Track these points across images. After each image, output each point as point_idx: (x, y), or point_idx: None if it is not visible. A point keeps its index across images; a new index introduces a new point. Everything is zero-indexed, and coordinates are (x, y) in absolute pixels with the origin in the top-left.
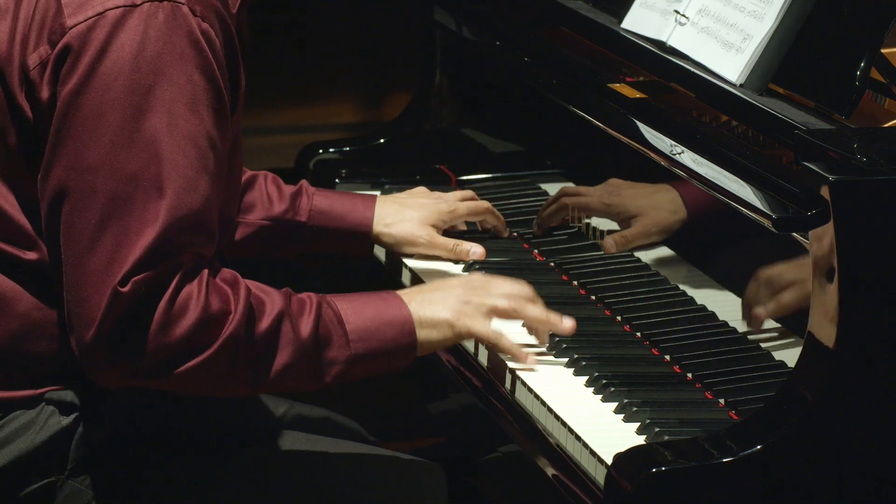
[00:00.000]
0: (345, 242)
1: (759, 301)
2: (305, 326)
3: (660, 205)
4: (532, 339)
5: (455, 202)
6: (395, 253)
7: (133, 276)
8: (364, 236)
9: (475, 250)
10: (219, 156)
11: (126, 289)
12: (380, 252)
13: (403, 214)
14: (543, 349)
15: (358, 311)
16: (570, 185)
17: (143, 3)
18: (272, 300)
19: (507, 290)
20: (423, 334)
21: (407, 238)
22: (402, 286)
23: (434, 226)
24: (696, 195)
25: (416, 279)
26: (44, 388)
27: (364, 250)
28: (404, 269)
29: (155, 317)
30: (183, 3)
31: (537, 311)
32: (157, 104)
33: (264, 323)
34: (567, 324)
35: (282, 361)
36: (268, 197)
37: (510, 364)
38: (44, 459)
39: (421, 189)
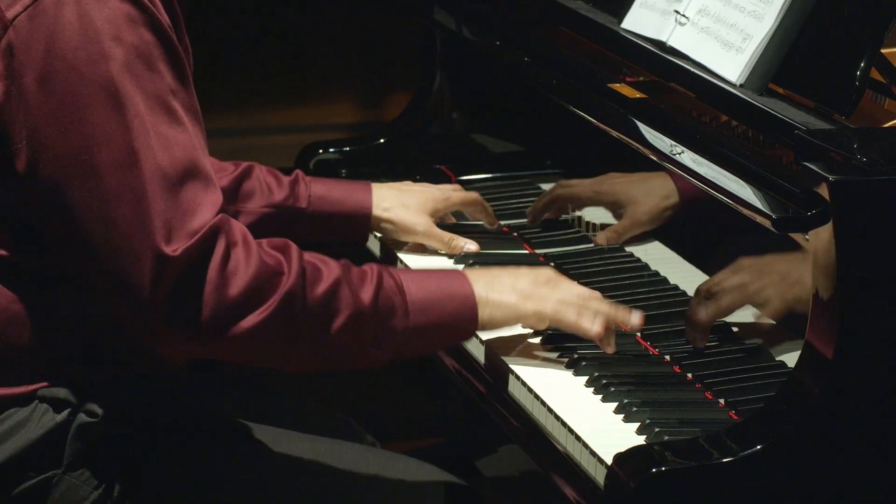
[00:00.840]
0: (344, 227)
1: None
2: (366, 293)
3: (651, 191)
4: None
5: (448, 190)
6: (390, 243)
7: (173, 238)
8: (363, 220)
9: (469, 246)
10: (186, 104)
11: (176, 254)
12: (374, 245)
13: (402, 200)
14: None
15: (420, 283)
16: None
17: None
18: (329, 267)
19: (578, 290)
20: (486, 313)
21: (406, 224)
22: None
23: (430, 214)
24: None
25: None
26: (36, 384)
27: (362, 236)
28: (399, 263)
29: (210, 278)
30: None
31: (606, 306)
32: (119, 69)
33: (322, 286)
34: (636, 316)
35: (339, 326)
36: (266, 185)
37: (510, 364)
38: (39, 455)
39: (408, 182)
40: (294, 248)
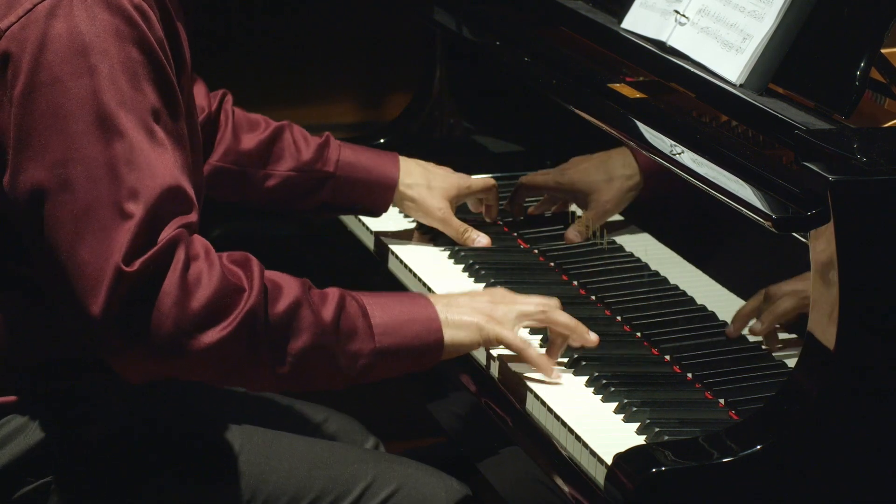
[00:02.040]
0: (368, 196)
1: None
2: (326, 313)
3: (612, 173)
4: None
5: (468, 178)
6: (380, 239)
7: (134, 256)
8: (388, 191)
9: (481, 240)
10: (168, 126)
11: (133, 268)
12: (368, 239)
13: (427, 179)
14: (559, 368)
15: (383, 306)
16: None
17: None
18: (289, 285)
19: (536, 298)
20: (449, 334)
21: (426, 206)
22: (390, 273)
23: (450, 200)
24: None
25: (404, 266)
26: (32, 390)
27: (383, 207)
28: (391, 255)
29: (169, 291)
30: None
31: (566, 317)
32: (103, 84)
33: (282, 304)
34: (593, 336)
35: (301, 346)
36: (295, 146)
37: (511, 365)
38: (36, 461)
39: (432, 163)
40: (255, 263)
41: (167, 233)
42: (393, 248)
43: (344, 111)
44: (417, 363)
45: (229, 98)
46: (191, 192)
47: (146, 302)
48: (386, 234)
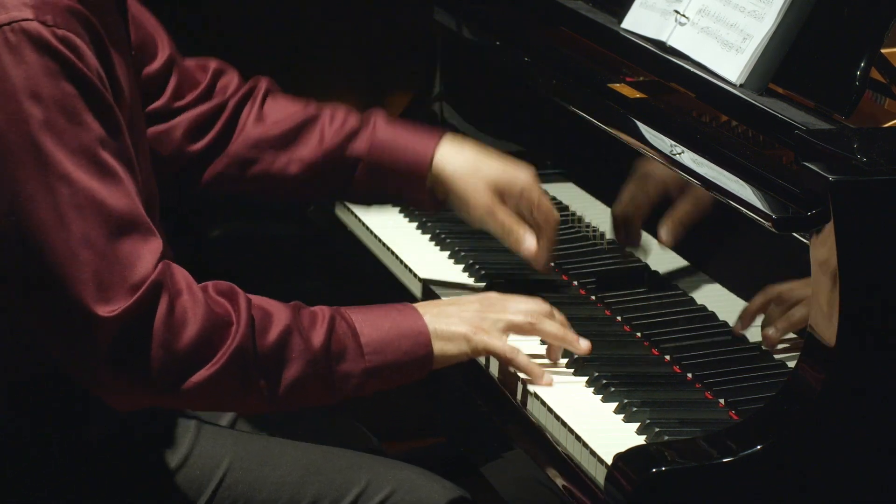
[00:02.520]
0: (403, 183)
1: (771, 320)
2: (317, 338)
3: (670, 184)
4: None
5: (531, 181)
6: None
7: (108, 300)
8: (420, 178)
9: (528, 245)
10: (117, 153)
11: (112, 314)
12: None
13: (478, 165)
14: (559, 368)
15: (372, 324)
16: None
17: None
18: (279, 313)
19: (524, 306)
20: (438, 347)
21: (469, 196)
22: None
23: (500, 194)
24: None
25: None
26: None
27: (424, 197)
28: (397, 261)
29: (154, 332)
30: (32, 19)
31: (554, 327)
32: (39, 128)
33: (272, 335)
34: (583, 344)
35: (293, 375)
36: (325, 132)
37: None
38: (34, 464)
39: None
40: (241, 294)
41: (143, 270)
42: (402, 255)
43: None
44: (408, 377)
45: (262, 84)
46: (145, 218)
47: (133, 346)
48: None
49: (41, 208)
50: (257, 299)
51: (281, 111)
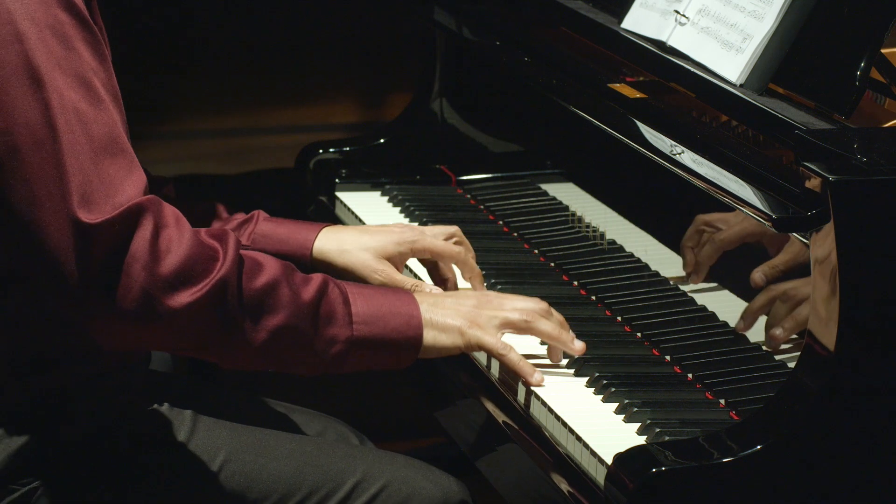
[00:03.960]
0: None
1: (777, 320)
2: (306, 294)
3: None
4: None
5: (421, 234)
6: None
7: (92, 211)
8: (304, 261)
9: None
10: (105, 84)
11: (94, 221)
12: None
13: (360, 241)
14: (559, 368)
15: (366, 297)
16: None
17: None
18: (270, 264)
19: (521, 304)
20: (430, 336)
21: (358, 268)
22: None
23: (391, 257)
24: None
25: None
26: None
27: None
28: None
29: (137, 255)
30: None
31: (550, 326)
32: (34, 47)
33: (260, 280)
34: (578, 345)
35: (276, 323)
36: (217, 217)
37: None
38: (19, 467)
39: (381, 225)
40: (232, 236)
41: (129, 194)
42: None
43: (344, 111)
44: (394, 358)
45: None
46: (130, 148)
47: (114, 263)
48: None
49: (35, 122)
50: (253, 251)
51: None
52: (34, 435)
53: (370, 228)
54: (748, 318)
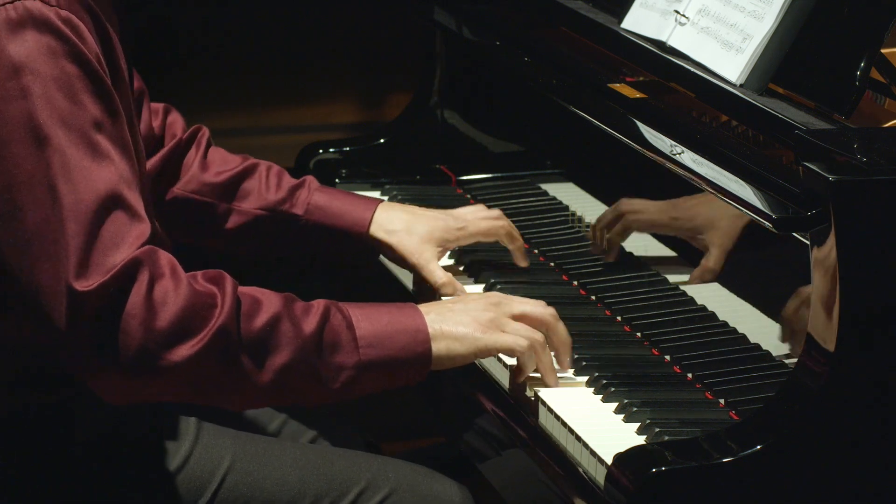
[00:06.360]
0: (340, 242)
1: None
2: (308, 327)
3: (724, 211)
4: None
5: (466, 219)
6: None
7: (88, 276)
8: (359, 238)
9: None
10: (112, 136)
11: (89, 287)
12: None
13: (410, 225)
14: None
15: (370, 317)
16: (625, 199)
17: None
18: (269, 300)
19: (530, 308)
20: (445, 346)
21: (404, 252)
22: (394, 277)
23: (437, 244)
24: None
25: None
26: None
27: (362, 254)
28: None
29: (134, 312)
30: None
31: (562, 327)
32: (38, 104)
33: (259, 320)
34: (551, 381)
35: (280, 362)
36: (266, 186)
37: (510, 364)
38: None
39: (426, 208)
40: (229, 279)
41: (125, 252)
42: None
43: (344, 111)
44: (405, 377)
45: (205, 132)
46: (137, 200)
47: (111, 323)
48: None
49: (35, 183)
50: (248, 288)
51: (222, 161)
52: (36, 445)
53: (419, 211)
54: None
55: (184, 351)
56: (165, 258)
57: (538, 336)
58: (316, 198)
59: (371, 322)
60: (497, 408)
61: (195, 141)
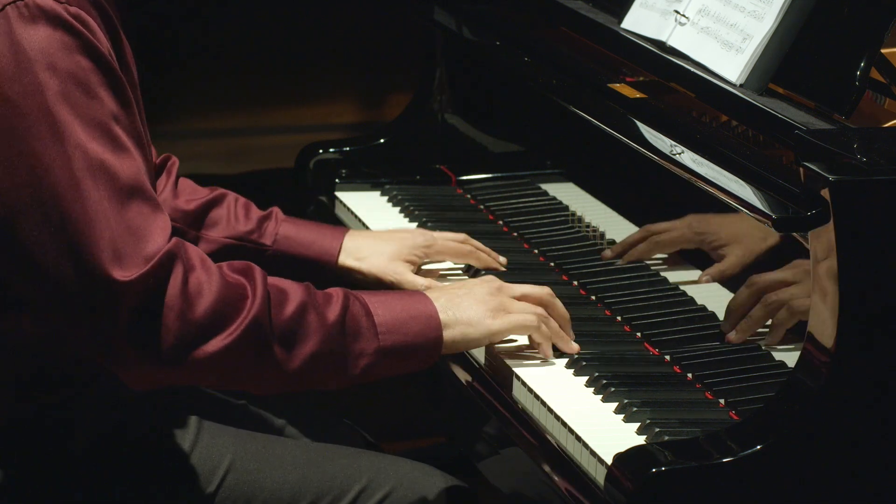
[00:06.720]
0: (309, 273)
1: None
2: (332, 314)
3: (750, 231)
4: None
5: (433, 236)
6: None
7: (125, 265)
8: (328, 267)
9: None
10: (128, 129)
11: (128, 278)
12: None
13: (377, 248)
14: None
15: (385, 305)
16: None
17: (3, 8)
18: (294, 290)
19: (528, 288)
20: (459, 332)
21: (377, 272)
22: None
23: (408, 261)
24: None
25: None
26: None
27: (331, 284)
28: None
29: (171, 304)
30: None
31: (559, 303)
32: (55, 98)
33: (288, 310)
34: (574, 346)
35: (309, 350)
36: (234, 216)
37: (511, 365)
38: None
39: (392, 231)
40: (258, 270)
41: (157, 243)
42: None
43: (344, 111)
44: (419, 361)
45: (175, 161)
46: (153, 193)
47: (149, 314)
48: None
49: (58, 177)
50: (272, 278)
51: (192, 190)
52: (36, 445)
53: (385, 234)
54: (732, 319)
55: (218, 342)
56: (193, 250)
57: (541, 310)
58: (284, 228)
59: (387, 309)
60: (497, 407)
61: (166, 168)
